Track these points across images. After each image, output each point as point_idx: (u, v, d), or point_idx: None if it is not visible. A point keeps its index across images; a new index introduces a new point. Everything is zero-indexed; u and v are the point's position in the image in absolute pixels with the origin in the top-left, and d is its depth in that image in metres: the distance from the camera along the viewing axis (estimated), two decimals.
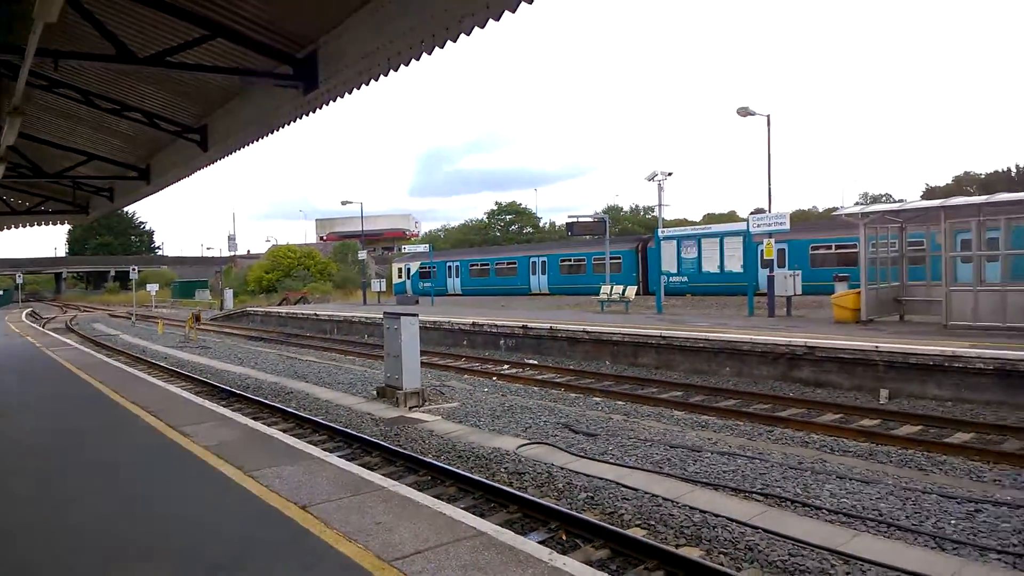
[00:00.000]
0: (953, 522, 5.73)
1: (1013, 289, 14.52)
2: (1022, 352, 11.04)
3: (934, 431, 9.79)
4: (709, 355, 15.21)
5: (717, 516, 6.06)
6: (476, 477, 7.29)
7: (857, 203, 58.22)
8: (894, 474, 7.26)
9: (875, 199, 65.30)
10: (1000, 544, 5.29)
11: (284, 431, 9.17)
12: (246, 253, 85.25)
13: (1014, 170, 66.68)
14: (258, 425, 8.48)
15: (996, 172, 67.66)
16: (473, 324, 21.80)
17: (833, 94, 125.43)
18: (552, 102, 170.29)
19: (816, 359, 13.33)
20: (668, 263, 26.56)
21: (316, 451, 7.00)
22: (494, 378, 15.78)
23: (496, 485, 6.99)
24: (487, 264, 45.69)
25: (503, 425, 9.70)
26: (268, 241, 76.66)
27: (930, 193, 64.85)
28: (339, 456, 7.46)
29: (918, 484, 6.76)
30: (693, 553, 5.40)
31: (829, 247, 28.89)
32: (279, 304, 46.07)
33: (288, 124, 8.17)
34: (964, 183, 66.89)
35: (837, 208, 36.30)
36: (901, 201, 29.81)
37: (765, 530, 5.73)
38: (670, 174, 32.84)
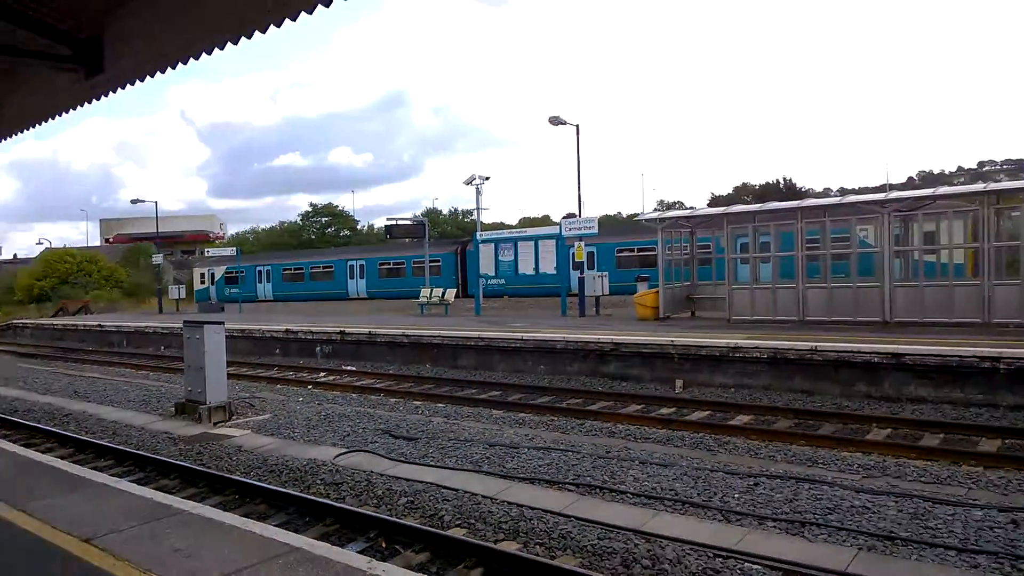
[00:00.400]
0: (737, 496, 6.39)
1: (782, 287, 16.57)
2: (788, 342, 12.62)
3: (720, 415, 10.88)
4: (526, 354, 15.75)
5: (534, 509, 6.27)
6: (289, 491, 6.94)
7: (655, 210, 63.37)
8: (688, 456, 7.96)
9: (670, 206, 71.56)
10: (774, 513, 5.97)
11: (62, 458, 8.15)
12: (12, 258, 74.41)
13: (782, 182, 76.27)
14: (30, 453, 7.45)
15: (768, 183, 76.97)
16: (287, 331, 20.80)
17: (637, 108, 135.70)
18: (371, 103, 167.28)
19: (622, 354, 14.28)
20: (486, 266, 27.16)
21: (101, 477, 6.29)
22: (309, 387, 15.17)
23: (311, 498, 6.70)
24: (301, 268, 43.86)
25: (319, 435, 9.33)
26: (40, 244, 67.54)
27: (714, 201, 72.26)
28: (130, 481, 6.75)
29: (708, 464, 7.46)
30: (511, 547, 5.54)
31: (632, 250, 31.11)
32: (54, 315, 40.85)
33: (67, 112, 7.27)
34: (742, 192, 75.26)
35: (639, 214, 39.26)
36: (692, 208, 32.84)
37: (577, 518, 6.02)
38: (487, 178, 33.58)
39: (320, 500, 6.65)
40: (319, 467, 7.78)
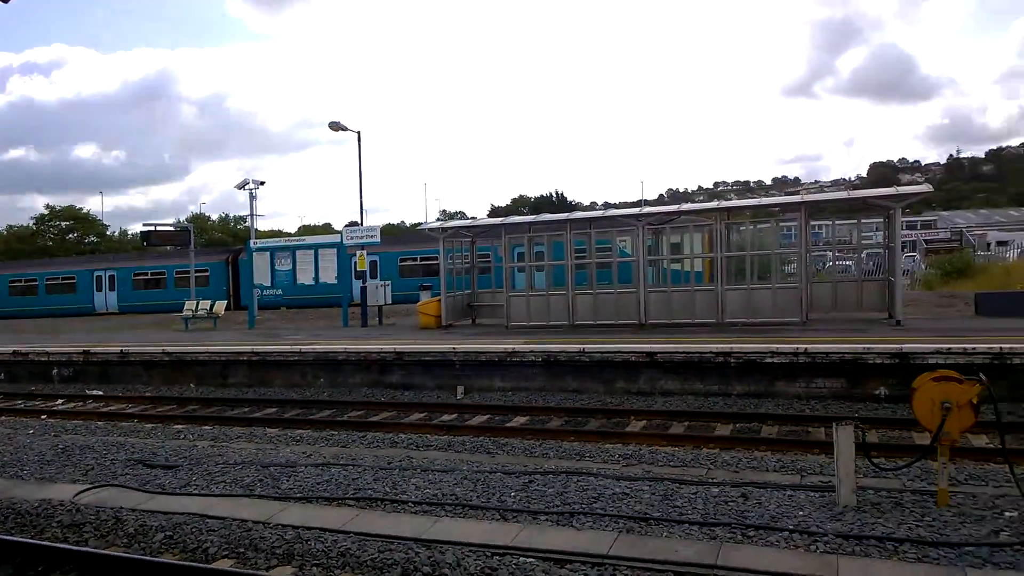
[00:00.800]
0: (513, 494, 6.64)
1: (554, 294, 17.65)
2: (560, 345, 13.46)
3: (499, 418, 11.29)
4: (304, 368, 15.10)
5: (311, 529, 6.00)
6: (15, 538, 5.94)
7: (438, 219, 64.47)
8: (468, 460, 8.13)
9: (452, 216, 73.26)
10: (547, 507, 6.30)
11: None
12: None
13: (555, 195, 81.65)
14: None
15: (543, 196, 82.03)
16: (14, 353, 17.90)
17: (421, 121, 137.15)
18: (126, 92, 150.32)
19: (405, 363, 14.26)
20: (261, 276, 25.64)
21: None
22: (43, 417, 13.18)
23: (43, 543, 5.79)
24: (34, 280, 38.11)
25: (56, 471, 8.13)
26: None
27: (494, 212, 75.40)
28: None
29: (487, 466, 7.68)
30: (285, 572, 5.25)
31: (415, 259, 31.28)
32: None
33: None
34: (519, 204, 79.38)
35: (422, 223, 39.59)
36: (473, 219, 33.89)
37: (357, 533, 5.86)
38: (263, 183, 31.74)
39: (54, 545, 5.78)
40: (55, 508, 6.76)
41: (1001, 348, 10.64)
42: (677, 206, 19.72)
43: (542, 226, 18.76)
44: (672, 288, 16.90)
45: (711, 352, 12.08)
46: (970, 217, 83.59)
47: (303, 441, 10.04)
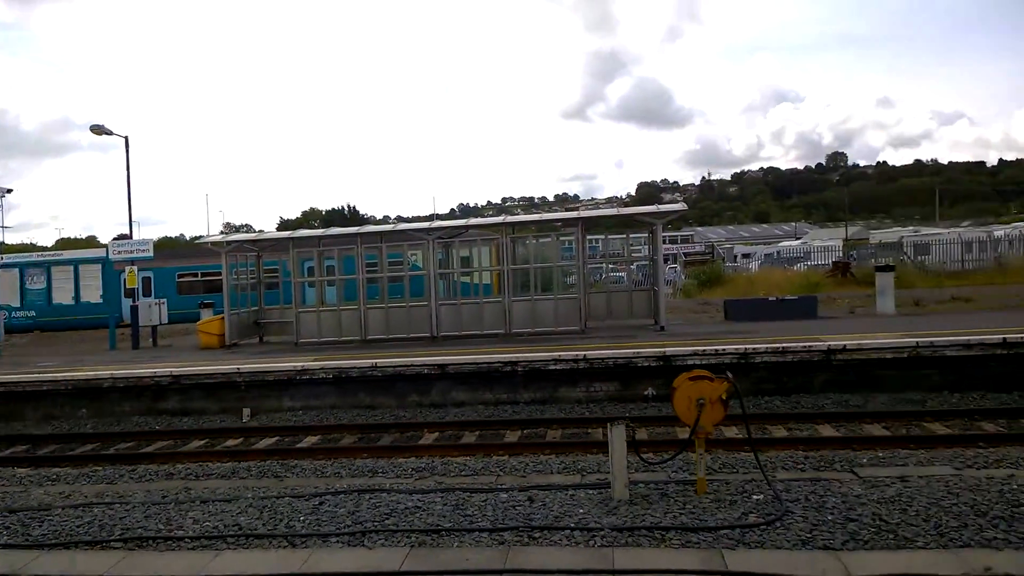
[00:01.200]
0: (302, 518, 6.48)
1: (346, 309, 17.40)
2: (351, 361, 13.31)
3: (289, 439, 10.90)
4: (62, 398, 13.46)
5: None
6: None
7: (221, 232, 60.31)
8: (254, 486, 7.77)
9: (237, 229, 68.98)
10: (338, 528, 6.22)
11: None
12: None
13: (347, 208, 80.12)
14: None
15: (335, 209, 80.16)
16: None
17: (202, 129, 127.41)
18: None
19: (183, 387, 13.24)
20: (8, 295, 22.37)
21: None
22: None
23: None
24: None
25: None
26: None
27: (283, 225, 72.29)
28: None
29: (274, 491, 7.40)
30: None
31: (196, 275, 29.05)
32: None
33: None
34: (311, 217, 76.88)
35: (203, 237, 36.81)
36: (260, 232, 32.27)
37: None
38: (10, 190, 27.80)
39: None
40: None
41: (745, 349, 12.29)
42: (466, 220, 20.42)
43: (332, 240, 18.40)
44: (462, 301, 17.41)
45: (499, 362, 12.66)
46: (720, 232, 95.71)
47: (60, 480, 8.98)
